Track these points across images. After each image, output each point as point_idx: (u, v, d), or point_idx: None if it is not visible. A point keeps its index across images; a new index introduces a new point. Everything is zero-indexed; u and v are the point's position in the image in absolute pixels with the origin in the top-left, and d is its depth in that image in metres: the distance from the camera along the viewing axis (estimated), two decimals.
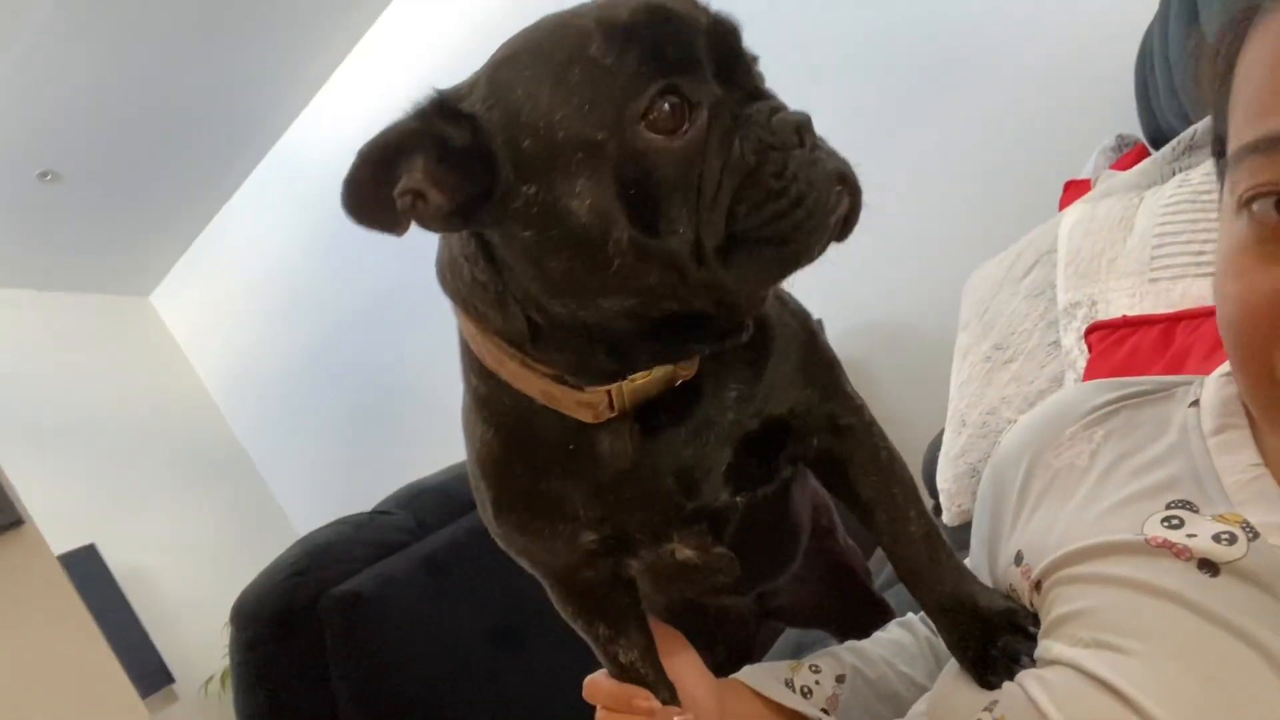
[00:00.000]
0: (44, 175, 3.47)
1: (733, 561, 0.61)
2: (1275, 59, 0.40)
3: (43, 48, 2.99)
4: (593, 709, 0.68)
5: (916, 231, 2.57)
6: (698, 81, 0.45)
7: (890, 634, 0.77)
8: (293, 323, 4.13)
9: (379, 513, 1.59)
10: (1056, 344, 1.24)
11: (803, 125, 0.46)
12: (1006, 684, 0.51)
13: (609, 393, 0.51)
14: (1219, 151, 0.46)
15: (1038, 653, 0.51)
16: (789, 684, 0.70)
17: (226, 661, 3.72)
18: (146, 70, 3.23)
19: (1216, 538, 0.46)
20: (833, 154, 0.47)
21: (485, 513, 0.61)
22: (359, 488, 2.86)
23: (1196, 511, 0.48)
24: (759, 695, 0.70)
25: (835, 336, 2.77)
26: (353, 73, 3.68)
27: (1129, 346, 0.97)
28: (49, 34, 2.95)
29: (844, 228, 0.48)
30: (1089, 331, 1.05)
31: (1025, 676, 0.49)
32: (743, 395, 0.55)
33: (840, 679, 0.72)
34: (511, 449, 0.57)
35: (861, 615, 0.86)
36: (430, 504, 1.61)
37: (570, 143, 0.44)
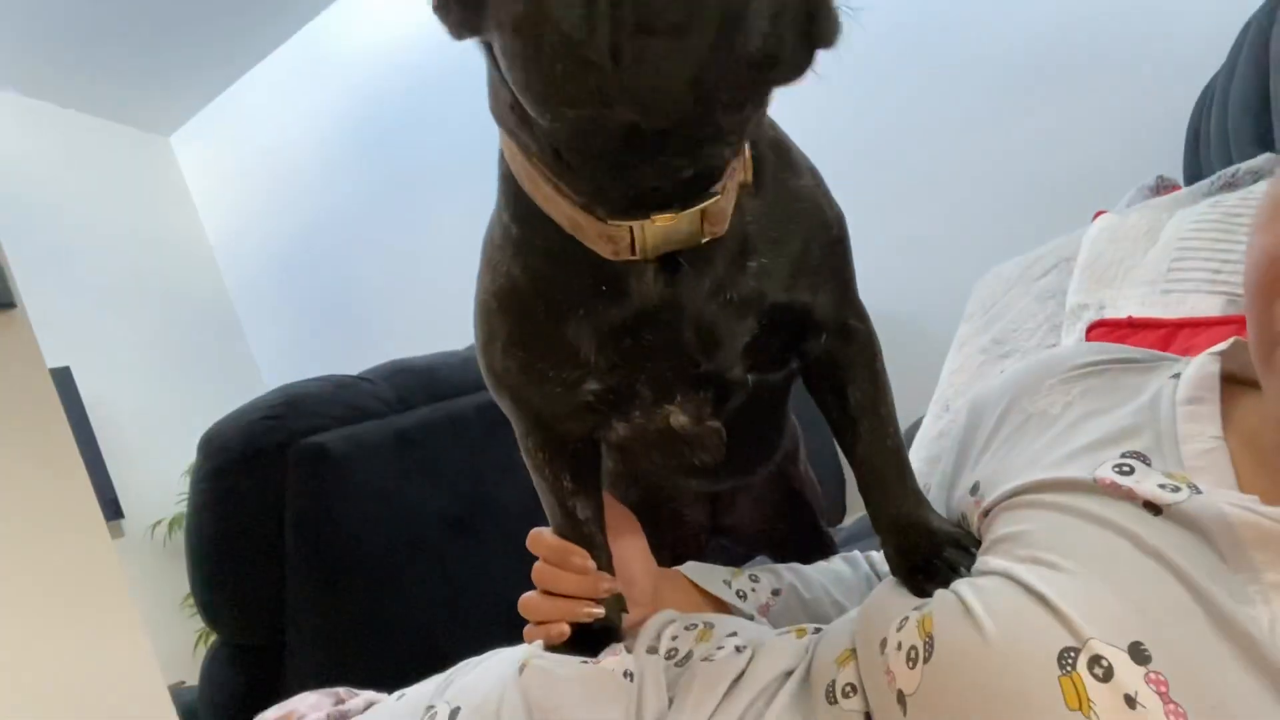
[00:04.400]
0: None
1: (720, 439, 0.62)
2: None
3: None
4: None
5: (935, 229, 2.58)
6: None
7: (832, 564, 0.80)
8: (301, 193, 4.12)
9: (361, 379, 1.60)
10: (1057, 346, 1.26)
11: None
12: (939, 591, 0.53)
13: (630, 229, 0.50)
14: None
15: (975, 567, 0.53)
16: (727, 584, 0.73)
17: (178, 509, 3.77)
18: None
19: (1161, 486, 0.48)
20: None
21: (490, 348, 0.61)
22: (337, 361, 2.88)
23: (1149, 465, 0.50)
24: (696, 588, 0.72)
25: None
26: None
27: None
28: None
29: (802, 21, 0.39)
30: (1090, 329, 1.07)
31: (959, 583, 0.51)
32: (765, 270, 0.55)
33: (776, 592, 0.74)
34: (538, 287, 0.56)
35: (807, 548, 0.88)
36: (413, 382, 1.62)
37: None
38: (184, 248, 4.41)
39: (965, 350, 1.46)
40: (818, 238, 0.57)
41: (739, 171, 0.52)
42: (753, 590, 0.73)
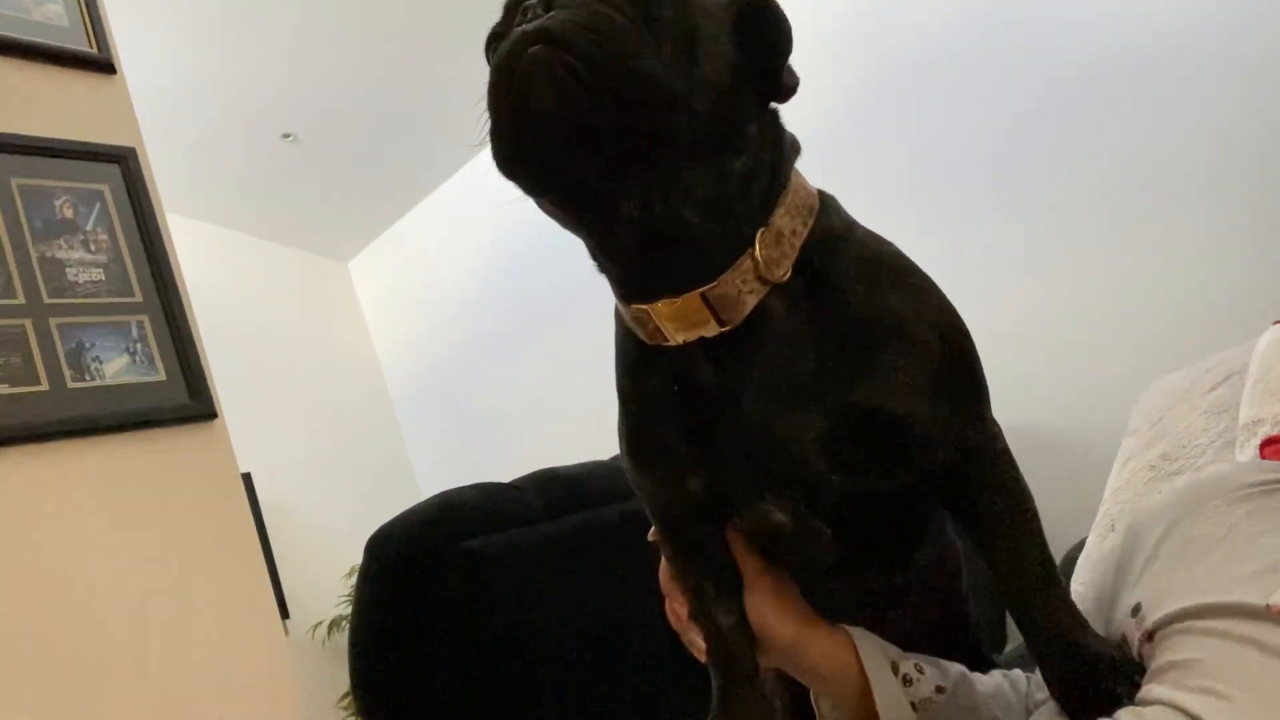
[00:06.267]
0: (286, 136, 3.87)
1: (829, 539, 0.62)
2: None
3: (308, 28, 3.36)
4: None
5: (1096, 336, 2.48)
6: (509, 23, 0.52)
7: (994, 679, 0.76)
8: (464, 315, 4.40)
9: (512, 486, 1.67)
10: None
11: (529, 4, 0.50)
12: None
13: (649, 311, 0.57)
14: None
15: (1139, 695, 0.51)
16: (894, 666, 0.70)
17: (337, 610, 3.94)
18: (391, 60, 3.56)
19: None
20: (552, 15, 0.49)
21: (621, 450, 0.66)
22: (487, 469, 3.01)
23: None
24: (856, 658, 0.69)
25: None
26: None
27: None
28: (315, 20, 3.31)
29: (547, 84, 0.48)
30: (1265, 444, 1.00)
31: (1122, 713, 0.49)
32: (827, 370, 0.56)
33: (940, 690, 0.71)
34: (636, 390, 0.63)
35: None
36: (561, 491, 1.67)
37: None
38: (356, 363, 4.76)
39: (1131, 466, 1.39)
40: (912, 350, 0.57)
41: (759, 268, 0.55)
42: (918, 679, 0.70)
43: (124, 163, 1.46)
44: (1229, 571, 0.52)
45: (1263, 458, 1.02)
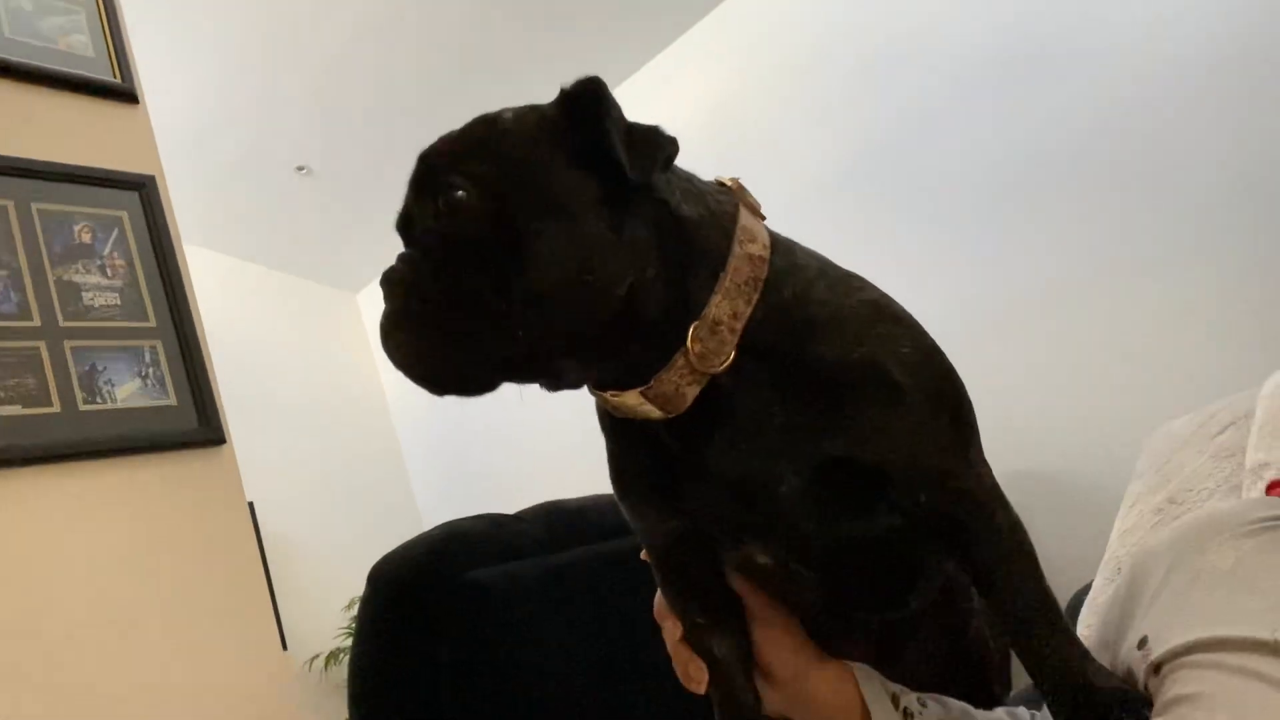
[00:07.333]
0: (300, 169, 3.92)
1: (810, 580, 0.63)
2: None
3: (329, 70, 3.41)
4: None
5: (1103, 383, 2.48)
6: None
7: (996, 715, 0.76)
8: None
9: (516, 518, 1.66)
10: None
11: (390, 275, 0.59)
12: None
13: (606, 396, 0.58)
14: None
15: None
16: (895, 699, 0.69)
17: (335, 643, 3.91)
18: (404, 99, 3.62)
19: None
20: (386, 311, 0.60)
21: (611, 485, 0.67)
22: (490, 502, 3.00)
23: None
24: (859, 693, 0.69)
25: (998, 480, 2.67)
26: None
27: None
28: (337, 61, 3.37)
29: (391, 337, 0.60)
30: (1271, 486, 1.00)
31: None
32: (793, 424, 0.56)
33: None
34: (612, 443, 0.64)
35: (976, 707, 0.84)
36: (564, 523, 1.67)
37: None
38: (362, 395, 4.77)
39: (1138, 509, 1.38)
40: (884, 397, 0.56)
41: (694, 364, 0.55)
42: (920, 711, 0.70)
43: (143, 190, 1.48)
44: (1236, 604, 0.52)
45: (1269, 497, 1.02)
